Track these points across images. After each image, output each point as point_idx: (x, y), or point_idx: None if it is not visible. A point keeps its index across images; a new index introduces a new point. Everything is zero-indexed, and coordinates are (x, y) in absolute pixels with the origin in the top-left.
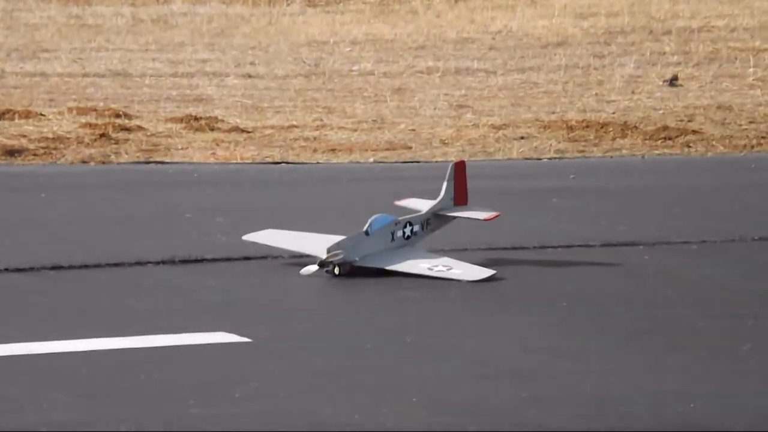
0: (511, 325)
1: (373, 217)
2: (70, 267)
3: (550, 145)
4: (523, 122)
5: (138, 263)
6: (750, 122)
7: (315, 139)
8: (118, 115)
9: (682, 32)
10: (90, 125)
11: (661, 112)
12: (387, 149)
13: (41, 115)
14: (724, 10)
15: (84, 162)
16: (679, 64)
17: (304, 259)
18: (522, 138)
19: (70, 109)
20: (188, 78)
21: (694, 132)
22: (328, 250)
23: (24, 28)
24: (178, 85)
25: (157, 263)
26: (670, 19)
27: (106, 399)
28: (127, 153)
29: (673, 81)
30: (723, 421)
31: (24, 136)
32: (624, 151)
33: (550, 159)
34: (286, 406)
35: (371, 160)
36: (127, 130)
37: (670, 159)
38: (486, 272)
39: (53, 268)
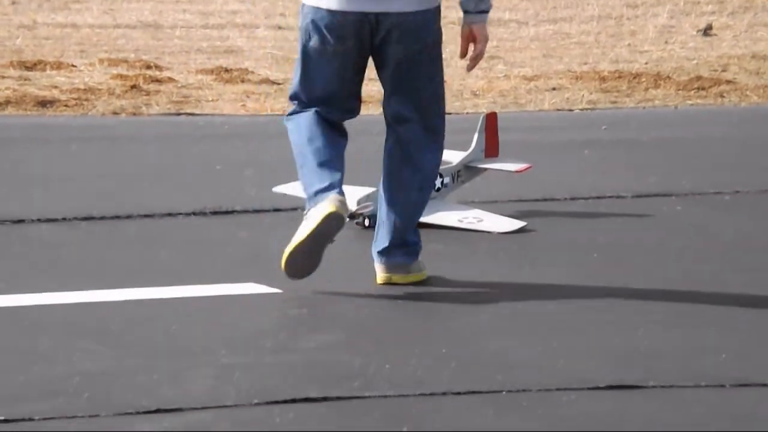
0: (540, 277)
1: None
2: (102, 218)
3: (582, 96)
4: (555, 73)
5: (169, 215)
6: None
7: None
8: (149, 67)
9: None
10: (121, 77)
11: (694, 62)
12: None
13: (72, 66)
14: None
15: (115, 113)
16: (713, 13)
17: None
18: (554, 89)
19: (101, 61)
20: (219, 29)
21: (728, 82)
22: (358, 202)
23: None
24: (209, 36)
25: (188, 215)
26: None
27: (136, 349)
28: (158, 104)
29: (707, 31)
30: (752, 374)
31: (55, 87)
32: (656, 102)
33: (581, 110)
34: (316, 356)
35: None
36: (158, 81)
37: (703, 109)
38: (516, 224)
39: (84, 219)
